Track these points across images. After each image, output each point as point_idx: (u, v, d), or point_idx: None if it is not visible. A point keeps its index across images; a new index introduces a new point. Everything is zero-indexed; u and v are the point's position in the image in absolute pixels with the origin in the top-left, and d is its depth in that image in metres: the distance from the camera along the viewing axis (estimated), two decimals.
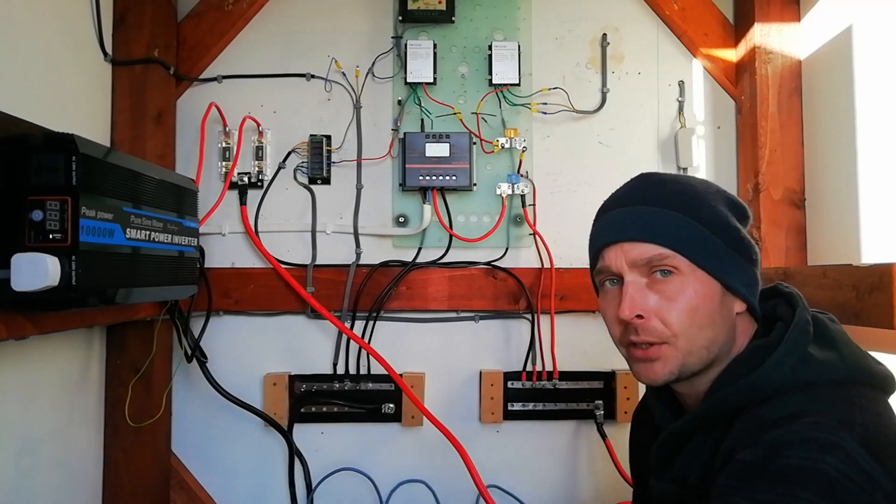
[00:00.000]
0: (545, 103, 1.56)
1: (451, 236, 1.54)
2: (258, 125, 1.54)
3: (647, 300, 0.80)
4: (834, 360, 0.75)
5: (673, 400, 0.92)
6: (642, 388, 1.51)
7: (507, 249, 1.56)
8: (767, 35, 1.50)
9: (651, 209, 0.81)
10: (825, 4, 1.41)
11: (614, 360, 1.55)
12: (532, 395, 1.55)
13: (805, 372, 0.74)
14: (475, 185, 1.53)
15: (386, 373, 1.48)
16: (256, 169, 1.55)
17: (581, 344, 1.55)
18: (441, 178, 1.49)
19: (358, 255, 1.55)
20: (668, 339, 0.79)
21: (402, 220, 1.56)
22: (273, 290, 1.52)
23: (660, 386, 0.85)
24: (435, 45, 1.52)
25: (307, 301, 1.48)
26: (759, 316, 0.85)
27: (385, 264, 1.54)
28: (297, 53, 1.57)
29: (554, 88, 1.57)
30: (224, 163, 1.55)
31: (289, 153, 1.56)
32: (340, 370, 1.54)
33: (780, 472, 0.65)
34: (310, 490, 1.52)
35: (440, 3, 1.53)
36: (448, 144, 1.49)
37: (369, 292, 1.52)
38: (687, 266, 0.79)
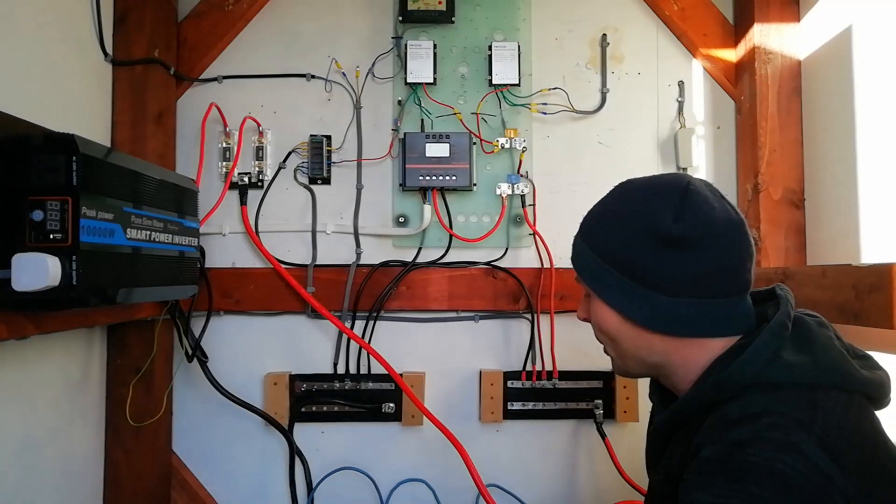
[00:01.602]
0: (545, 103, 1.56)
1: (451, 236, 1.54)
2: (258, 125, 1.55)
3: (584, 308, 0.94)
4: (804, 363, 0.75)
5: (669, 393, 0.93)
6: (642, 389, 1.52)
7: (506, 249, 1.56)
8: (767, 35, 1.50)
9: (577, 236, 0.92)
10: (825, 4, 1.41)
11: None
12: (532, 395, 1.55)
13: (772, 372, 0.75)
14: (475, 185, 1.54)
15: (386, 372, 1.48)
16: (257, 169, 1.56)
17: (581, 344, 1.55)
18: (441, 178, 1.49)
19: (358, 255, 1.55)
20: (604, 344, 0.93)
21: (402, 220, 1.56)
22: (273, 290, 1.52)
23: (655, 383, 0.96)
24: (435, 46, 1.52)
25: (307, 301, 1.49)
26: (725, 335, 0.82)
27: (385, 264, 1.55)
28: (297, 53, 1.58)
29: (554, 88, 1.57)
30: (224, 163, 1.55)
31: (289, 153, 1.56)
32: (341, 370, 1.54)
33: (739, 469, 0.67)
34: (310, 489, 1.52)
35: (440, 3, 1.53)
36: (448, 144, 1.49)
37: (369, 292, 1.52)
38: (590, 291, 0.89)
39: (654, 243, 0.80)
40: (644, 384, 1.52)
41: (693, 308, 0.80)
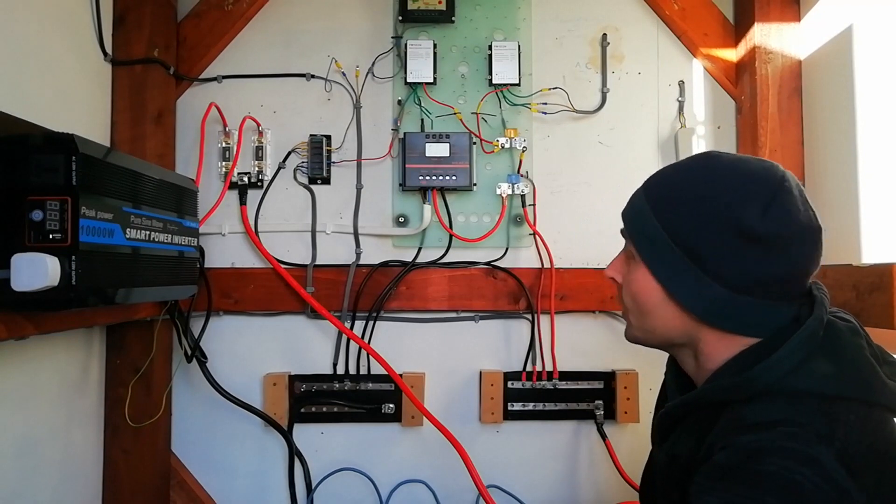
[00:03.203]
0: (545, 103, 1.56)
1: (451, 236, 1.53)
2: (258, 125, 1.54)
3: (617, 268, 0.90)
4: (829, 373, 0.73)
5: (685, 375, 0.92)
6: (643, 389, 1.52)
7: (507, 249, 1.55)
8: (767, 35, 1.50)
9: (640, 193, 0.87)
10: (825, 4, 1.41)
11: (614, 360, 1.55)
12: (532, 395, 1.55)
13: (794, 380, 0.73)
14: (475, 185, 1.53)
15: (386, 373, 1.48)
16: (256, 169, 1.55)
17: (581, 344, 1.55)
18: (441, 178, 1.49)
19: (358, 255, 1.55)
20: (627, 310, 0.89)
21: (402, 220, 1.56)
22: (273, 290, 1.52)
23: (672, 360, 0.95)
24: (435, 45, 1.52)
25: (307, 301, 1.48)
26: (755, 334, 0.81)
27: (385, 264, 1.54)
28: (297, 53, 1.57)
29: (554, 88, 1.57)
30: (224, 163, 1.55)
31: (289, 153, 1.56)
32: (340, 370, 1.53)
33: (756, 477, 0.66)
34: (310, 490, 1.52)
35: (440, 3, 1.53)
36: (448, 144, 1.49)
37: (369, 292, 1.52)
38: (638, 256, 0.84)
39: (731, 234, 0.76)
40: (644, 385, 1.52)
41: (749, 307, 0.78)
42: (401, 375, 1.50)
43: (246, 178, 1.55)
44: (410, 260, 1.55)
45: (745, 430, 0.71)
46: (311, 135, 1.56)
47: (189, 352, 1.46)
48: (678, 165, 0.87)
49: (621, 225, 0.91)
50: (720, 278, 0.77)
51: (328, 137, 1.56)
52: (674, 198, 0.81)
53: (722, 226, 0.76)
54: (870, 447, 0.69)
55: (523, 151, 1.54)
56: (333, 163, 1.56)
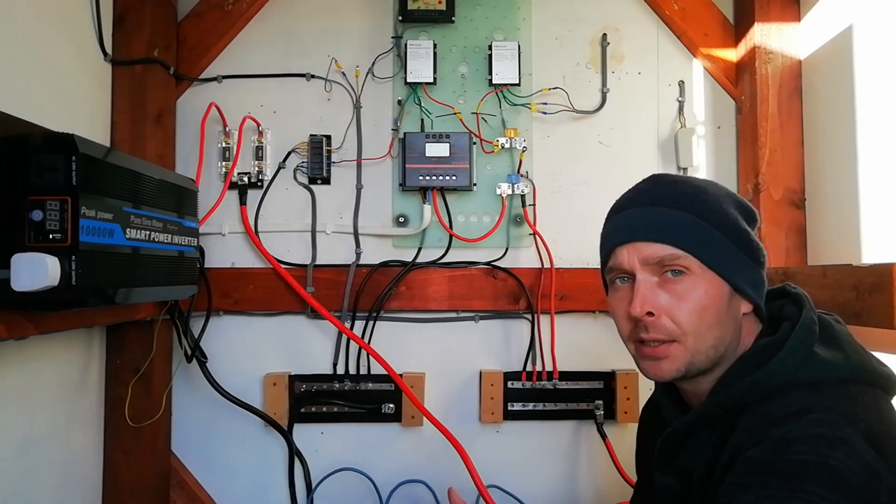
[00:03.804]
0: (545, 103, 1.56)
1: (451, 236, 1.53)
2: (258, 125, 1.54)
3: (658, 298, 0.81)
4: (838, 359, 0.76)
5: (680, 396, 0.93)
6: (643, 389, 1.52)
7: (507, 249, 1.55)
8: (767, 35, 1.50)
9: (664, 210, 0.83)
10: (825, 4, 1.41)
11: (614, 360, 1.55)
12: (532, 395, 1.55)
13: (810, 370, 0.75)
14: (475, 185, 1.53)
15: (386, 373, 1.48)
16: (256, 169, 1.55)
17: (581, 344, 1.55)
18: (441, 178, 1.49)
19: (358, 255, 1.55)
20: (677, 338, 0.81)
21: (402, 220, 1.56)
22: (273, 290, 1.52)
23: (666, 383, 0.88)
24: (435, 45, 1.52)
25: (307, 301, 1.48)
26: (764, 316, 0.86)
27: (385, 264, 1.54)
28: (297, 53, 1.57)
29: (554, 88, 1.57)
30: (224, 163, 1.54)
31: (289, 153, 1.56)
32: (340, 370, 1.53)
33: (790, 467, 0.67)
34: (310, 490, 1.52)
35: (440, 3, 1.53)
36: (448, 144, 1.49)
37: (369, 292, 1.52)
38: (698, 266, 0.81)
39: (744, 216, 0.85)
40: (644, 385, 1.52)
41: (763, 279, 0.86)
42: (401, 375, 1.50)
43: (246, 178, 1.55)
44: (410, 260, 1.54)
45: (775, 424, 0.71)
46: (311, 135, 1.56)
47: (189, 352, 1.46)
48: (677, 178, 0.90)
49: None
50: (756, 260, 0.84)
51: (328, 137, 1.56)
52: (701, 196, 0.84)
53: (736, 209, 0.85)
54: (890, 426, 0.70)
55: (523, 151, 1.54)
56: (333, 163, 1.56)
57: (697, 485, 0.82)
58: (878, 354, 0.83)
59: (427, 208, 1.51)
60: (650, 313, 0.81)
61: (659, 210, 0.83)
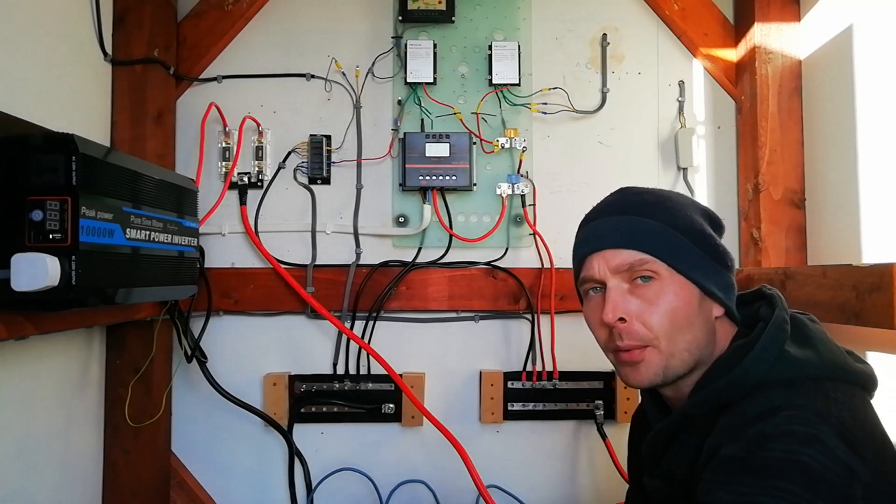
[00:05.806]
0: (545, 103, 1.56)
1: (451, 236, 1.53)
2: (258, 125, 1.54)
3: (629, 304, 0.83)
4: (810, 357, 0.77)
5: (664, 403, 0.94)
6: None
7: (507, 249, 1.55)
8: (767, 35, 1.50)
9: (631, 218, 0.86)
10: (825, 4, 1.41)
11: None
12: (532, 395, 1.55)
13: (782, 368, 0.76)
14: (475, 185, 1.53)
15: (386, 373, 1.48)
16: (256, 169, 1.55)
17: (581, 344, 1.55)
18: (441, 178, 1.49)
19: (358, 255, 1.55)
20: (650, 342, 0.83)
21: (402, 220, 1.56)
22: (273, 290, 1.52)
23: (651, 389, 0.91)
24: (435, 45, 1.52)
25: (307, 301, 1.48)
26: (737, 319, 0.88)
27: (385, 264, 1.54)
28: (297, 53, 1.57)
29: (554, 88, 1.57)
30: (224, 163, 1.54)
31: (289, 153, 1.56)
32: (340, 370, 1.53)
33: (763, 465, 0.67)
34: (310, 490, 1.52)
35: (440, 3, 1.53)
36: (448, 144, 1.49)
37: (369, 292, 1.52)
38: (666, 270, 0.83)
39: (709, 222, 0.88)
40: None
41: (732, 282, 0.88)
42: (401, 375, 1.50)
43: (246, 178, 1.55)
44: (410, 260, 1.55)
45: (749, 422, 0.72)
46: (311, 135, 1.56)
47: (189, 352, 1.46)
48: (642, 189, 0.92)
49: None
50: (724, 264, 0.86)
51: (328, 137, 1.56)
52: (667, 203, 0.87)
53: (701, 216, 0.88)
54: (863, 423, 0.71)
55: (523, 151, 1.54)
56: (333, 163, 1.56)
57: (680, 485, 0.83)
58: (877, 355, 0.83)
59: (427, 208, 1.51)
60: (622, 319, 0.83)
61: (627, 218, 0.86)
